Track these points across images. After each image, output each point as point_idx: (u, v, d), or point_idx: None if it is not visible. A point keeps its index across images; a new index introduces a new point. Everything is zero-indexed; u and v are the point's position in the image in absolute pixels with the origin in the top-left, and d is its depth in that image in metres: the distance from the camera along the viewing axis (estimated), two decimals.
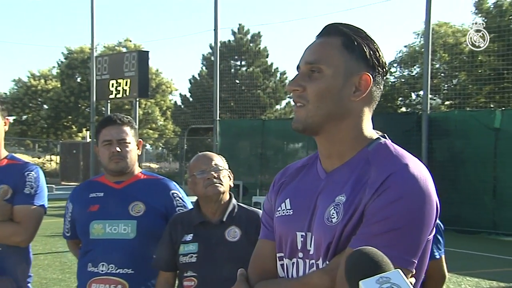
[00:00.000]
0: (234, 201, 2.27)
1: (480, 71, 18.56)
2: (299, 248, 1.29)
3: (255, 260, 1.40)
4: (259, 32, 28.19)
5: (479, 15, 20.05)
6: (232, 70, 27.74)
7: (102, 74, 15.45)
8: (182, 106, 29.39)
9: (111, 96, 15.21)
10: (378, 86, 1.30)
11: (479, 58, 17.93)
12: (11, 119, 2.94)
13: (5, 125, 2.41)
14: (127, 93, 14.67)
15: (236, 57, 28.15)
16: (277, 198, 1.39)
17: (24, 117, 32.91)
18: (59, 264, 7.24)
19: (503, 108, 13.37)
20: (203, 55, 28.64)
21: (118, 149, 2.33)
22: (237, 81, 27.52)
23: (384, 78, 1.33)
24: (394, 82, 23.13)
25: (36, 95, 32.72)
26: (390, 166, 1.21)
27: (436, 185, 1.23)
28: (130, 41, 33.17)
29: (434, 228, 1.24)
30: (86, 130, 30.40)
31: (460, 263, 7.45)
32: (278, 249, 1.35)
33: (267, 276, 1.35)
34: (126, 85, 14.57)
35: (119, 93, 14.88)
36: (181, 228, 2.21)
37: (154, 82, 31.68)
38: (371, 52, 1.28)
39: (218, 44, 16.26)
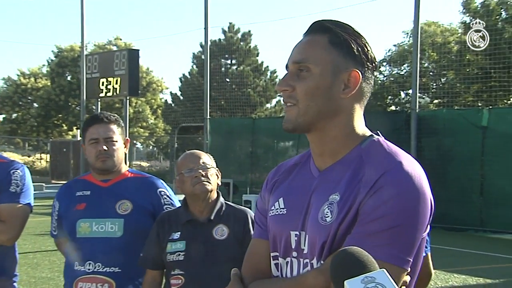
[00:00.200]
0: (222, 199, 2.27)
1: (468, 70, 18.70)
2: (293, 247, 1.28)
3: (249, 259, 1.39)
4: (249, 31, 28.23)
5: (467, 14, 20.22)
6: (223, 69, 27.70)
7: (92, 72, 15.36)
8: (173, 105, 29.32)
9: (101, 95, 15.13)
10: (368, 82, 1.29)
11: (467, 57, 18.07)
12: (0, 117, 2.91)
13: None
14: (118, 92, 14.60)
15: (226, 55, 28.12)
16: (270, 196, 1.38)
17: (14, 115, 32.65)
18: (48, 263, 7.20)
19: (491, 107, 13.52)
20: (193, 53, 28.64)
21: (105, 147, 2.32)
22: (228, 80, 27.50)
23: (374, 73, 1.31)
24: (383, 80, 23.25)
25: (26, 93, 32.46)
26: (384, 164, 1.20)
27: None
28: (121, 39, 33.02)
29: (429, 226, 1.23)
30: (77, 129, 30.26)
31: (448, 260, 7.51)
32: (272, 249, 1.34)
33: (261, 276, 1.34)
34: (116, 83, 14.50)
35: (109, 92, 14.80)
36: (168, 226, 2.21)
37: (145, 81, 31.57)
38: (359, 47, 1.26)
39: (209, 43, 16.24)
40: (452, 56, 20.11)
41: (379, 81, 22.86)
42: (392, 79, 23.11)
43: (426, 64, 21.76)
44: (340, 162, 1.27)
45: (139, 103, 31.52)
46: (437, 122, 11.82)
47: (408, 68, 21.56)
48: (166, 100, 31.92)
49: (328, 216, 1.21)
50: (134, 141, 29.63)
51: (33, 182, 2.46)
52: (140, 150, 35.43)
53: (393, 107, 22.91)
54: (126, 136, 2.46)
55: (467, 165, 11.06)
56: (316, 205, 1.25)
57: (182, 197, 2.29)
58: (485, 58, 16.79)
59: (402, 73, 23.16)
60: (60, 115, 32.02)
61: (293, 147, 14.77)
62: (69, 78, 31.55)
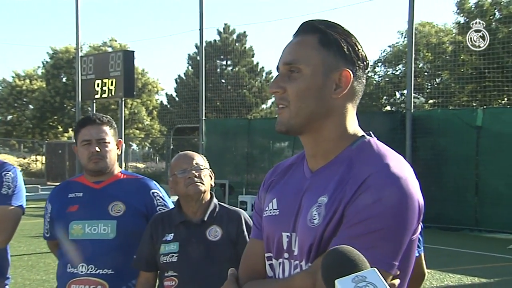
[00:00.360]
0: (215, 200, 2.27)
1: (462, 70, 18.77)
2: (284, 248, 1.28)
3: (245, 259, 1.39)
4: (244, 32, 28.25)
5: (461, 15, 20.30)
6: (218, 70, 27.70)
7: (88, 74, 15.32)
8: (168, 106, 29.29)
9: (96, 96, 15.09)
10: (360, 81, 1.27)
11: (461, 58, 18.14)
12: None
13: None
14: (113, 93, 14.57)
15: (222, 56, 28.13)
16: (266, 197, 1.38)
17: (9, 117, 32.57)
18: (43, 265, 7.18)
19: (485, 107, 13.56)
20: (189, 54, 28.63)
21: (97, 149, 2.31)
22: (223, 81, 27.50)
23: (366, 71, 1.30)
24: (378, 81, 23.31)
25: (21, 95, 32.38)
26: (370, 166, 1.18)
27: (419, 183, 1.21)
28: (116, 41, 33.00)
29: (419, 228, 1.21)
30: (72, 131, 30.12)
31: (443, 260, 7.51)
32: (266, 249, 1.34)
33: (256, 276, 1.34)
34: (111, 85, 14.47)
35: (104, 93, 14.77)
36: (162, 228, 2.20)
37: (140, 82, 31.52)
38: (349, 47, 1.25)
39: (204, 44, 16.24)
40: (446, 56, 20.18)
41: (374, 82, 22.94)
42: (387, 79, 23.19)
43: (420, 65, 21.84)
44: (331, 163, 1.26)
45: (135, 104, 31.48)
46: (432, 122, 11.86)
47: (403, 68, 21.64)
48: (161, 101, 31.93)
49: (316, 219, 1.21)
50: (130, 143, 29.59)
51: (28, 184, 2.46)
52: (136, 152, 35.37)
53: (388, 108, 22.99)
54: (118, 138, 2.45)
55: (462, 165, 11.10)
56: (306, 207, 1.25)
57: (176, 198, 2.29)
58: (479, 58, 16.85)
59: (397, 73, 23.25)
60: (55, 117, 31.94)
61: (289, 147, 14.77)
62: (64, 79, 31.49)
